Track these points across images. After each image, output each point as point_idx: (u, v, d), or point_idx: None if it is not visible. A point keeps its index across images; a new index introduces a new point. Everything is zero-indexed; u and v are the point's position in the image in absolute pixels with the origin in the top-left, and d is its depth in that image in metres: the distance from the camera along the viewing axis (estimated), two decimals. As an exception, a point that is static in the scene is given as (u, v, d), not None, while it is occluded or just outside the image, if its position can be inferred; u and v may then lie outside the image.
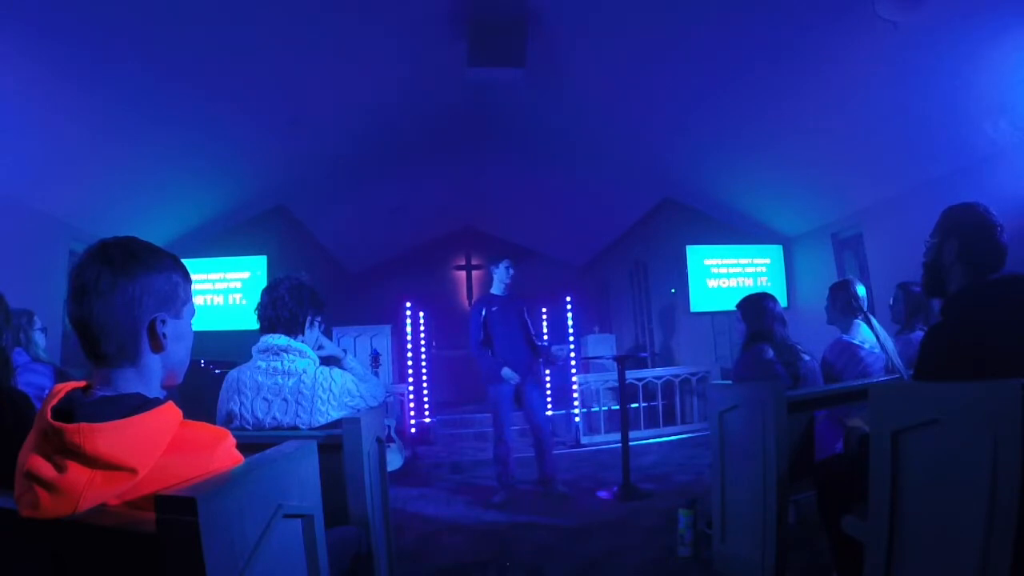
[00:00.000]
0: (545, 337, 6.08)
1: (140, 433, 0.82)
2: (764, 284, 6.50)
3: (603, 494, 3.78)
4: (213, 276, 6.02)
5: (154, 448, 0.83)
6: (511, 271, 3.87)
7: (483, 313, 3.85)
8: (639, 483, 3.89)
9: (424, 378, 5.80)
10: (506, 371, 3.73)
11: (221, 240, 6.11)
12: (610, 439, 5.20)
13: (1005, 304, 1.41)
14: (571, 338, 5.80)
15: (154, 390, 0.93)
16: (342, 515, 1.63)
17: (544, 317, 6.44)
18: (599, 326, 8.22)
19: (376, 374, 4.91)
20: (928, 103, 3.67)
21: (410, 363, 5.69)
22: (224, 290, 6.04)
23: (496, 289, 3.90)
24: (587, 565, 2.63)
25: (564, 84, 4.96)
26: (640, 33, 4.01)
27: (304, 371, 1.78)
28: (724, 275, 6.55)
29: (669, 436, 5.47)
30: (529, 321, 3.96)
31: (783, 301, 6.42)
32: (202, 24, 3.42)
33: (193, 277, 1.02)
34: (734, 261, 6.59)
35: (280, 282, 1.91)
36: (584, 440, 5.25)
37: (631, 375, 5.31)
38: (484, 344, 3.83)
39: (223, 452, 0.91)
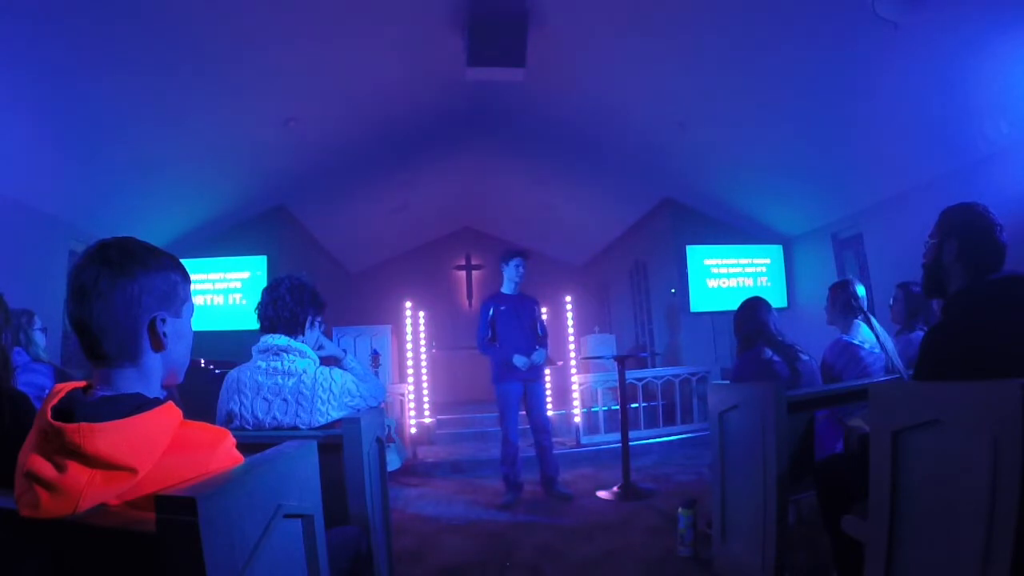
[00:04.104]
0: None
1: (140, 433, 0.82)
2: (764, 284, 6.50)
3: (603, 494, 3.78)
4: (213, 276, 6.01)
5: (154, 448, 0.83)
6: (521, 269, 3.83)
7: (491, 312, 3.84)
8: (639, 483, 3.89)
9: (424, 378, 5.80)
10: (517, 357, 3.68)
11: (221, 240, 6.11)
12: (610, 439, 5.20)
13: (1005, 304, 1.41)
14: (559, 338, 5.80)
15: (154, 390, 0.93)
16: (342, 515, 1.63)
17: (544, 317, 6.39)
18: (599, 326, 8.22)
19: (376, 374, 4.91)
20: (928, 103, 3.67)
21: (410, 363, 5.69)
22: (224, 290, 6.03)
23: (506, 288, 3.87)
24: (587, 565, 2.63)
25: (564, 84, 4.96)
26: (640, 33, 4.01)
27: (304, 371, 1.78)
28: (724, 275, 6.54)
29: (669, 436, 5.46)
30: (540, 321, 3.92)
31: (783, 301, 6.42)
32: (201, 24, 3.42)
33: (193, 277, 1.02)
34: (734, 261, 6.59)
35: (280, 282, 1.91)
36: (584, 440, 5.24)
37: (631, 375, 5.30)
38: (491, 342, 3.82)
39: (223, 452, 0.91)
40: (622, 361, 4.14)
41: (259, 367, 1.80)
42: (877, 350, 2.66)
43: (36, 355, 2.41)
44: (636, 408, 5.52)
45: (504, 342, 3.77)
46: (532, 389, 3.80)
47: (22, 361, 2.29)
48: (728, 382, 2.78)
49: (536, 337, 3.85)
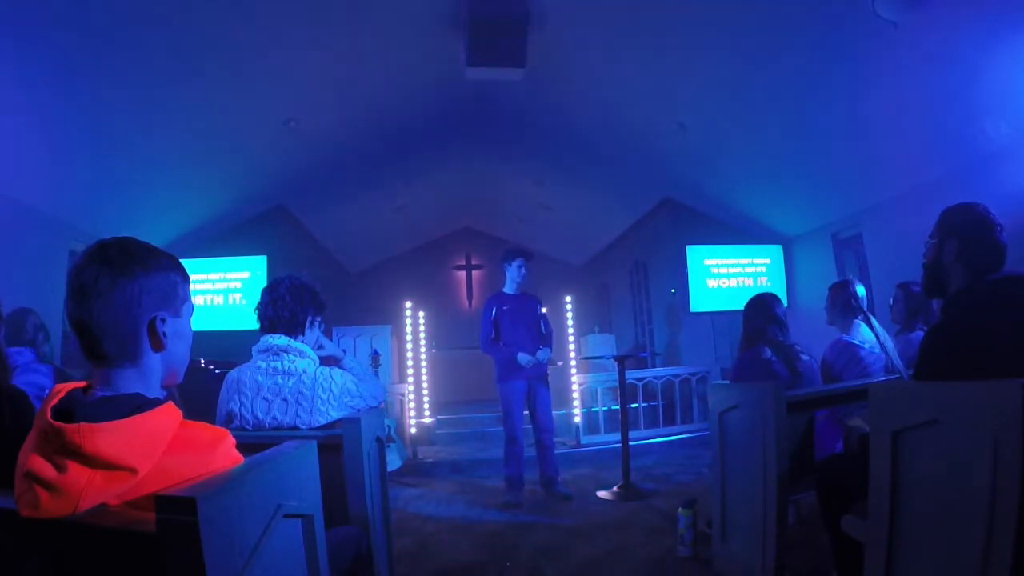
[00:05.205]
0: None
1: (140, 433, 0.83)
2: (764, 284, 6.50)
3: (603, 494, 3.78)
4: (213, 276, 6.01)
5: (154, 448, 0.83)
6: (523, 269, 3.82)
7: (494, 312, 3.83)
8: (639, 483, 3.89)
9: (424, 378, 5.80)
10: (522, 355, 3.67)
11: (221, 240, 6.11)
12: (610, 439, 5.20)
13: (1005, 304, 1.41)
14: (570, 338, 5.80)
15: (154, 390, 0.93)
16: (342, 515, 1.63)
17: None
18: (599, 326, 8.22)
19: (376, 374, 4.91)
20: (928, 103, 3.67)
21: (410, 363, 5.69)
22: (224, 290, 6.03)
23: (508, 288, 3.87)
24: (587, 565, 2.63)
25: (564, 84, 4.96)
26: (640, 33, 4.01)
27: (304, 371, 1.78)
28: (724, 275, 6.54)
29: (669, 436, 5.46)
30: (543, 320, 3.91)
31: (783, 301, 6.41)
32: (201, 24, 3.42)
33: (193, 277, 1.02)
34: (734, 261, 6.58)
35: (281, 282, 1.91)
36: (584, 440, 5.24)
37: (631, 375, 5.30)
38: (494, 342, 3.81)
39: (223, 452, 0.91)
40: (622, 361, 4.14)
41: (259, 367, 1.80)
42: (877, 350, 2.66)
43: (42, 354, 2.41)
44: (636, 408, 5.52)
45: (508, 341, 3.77)
46: (537, 389, 3.79)
47: (24, 361, 2.29)
48: (728, 382, 2.78)
49: (540, 336, 3.85)
